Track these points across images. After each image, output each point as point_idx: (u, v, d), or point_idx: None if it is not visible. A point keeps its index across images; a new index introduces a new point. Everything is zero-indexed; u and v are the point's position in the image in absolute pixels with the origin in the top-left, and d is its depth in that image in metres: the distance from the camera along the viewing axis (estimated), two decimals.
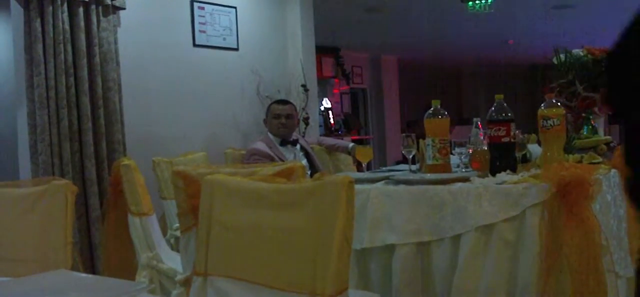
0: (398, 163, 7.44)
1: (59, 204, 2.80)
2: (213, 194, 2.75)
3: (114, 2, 5.69)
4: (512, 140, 3.82)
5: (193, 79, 6.69)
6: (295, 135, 6.45)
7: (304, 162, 6.14)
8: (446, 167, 3.96)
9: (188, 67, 6.66)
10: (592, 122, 4.71)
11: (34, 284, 2.22)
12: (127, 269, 4.80)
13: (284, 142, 6.26)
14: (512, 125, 3.81)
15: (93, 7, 5.55)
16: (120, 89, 5.77)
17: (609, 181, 3.58)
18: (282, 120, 6.28)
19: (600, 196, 3.30)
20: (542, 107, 3.83)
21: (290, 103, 6.62)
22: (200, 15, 6.77)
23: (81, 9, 5.45)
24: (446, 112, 4.04)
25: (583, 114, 4.68)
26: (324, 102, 14.05)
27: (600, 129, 4.85)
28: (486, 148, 3.90)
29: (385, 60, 17.22)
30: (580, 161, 3.93)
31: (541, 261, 3.13)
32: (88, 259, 5.44)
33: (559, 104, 3.90)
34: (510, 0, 10.71)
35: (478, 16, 10.33)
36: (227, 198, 2.71)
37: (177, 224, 4.41)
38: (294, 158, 6.14)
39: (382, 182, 3.88)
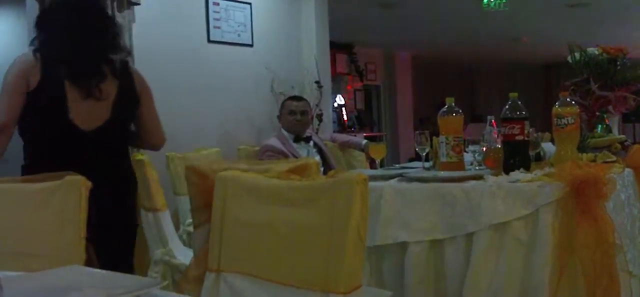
0: (411, 160, 7.43)
1: (73, 200, 2.80)
2: (226, 190, 2.75)
3: None
4: (526, 138, 3.81)
5: (207, 75, 6.69)
6: (308, 132, 6.46)
7: (318, 159, 6.14)
8: (460, 165, 3.95)
9: (202, 63, 6.67)
10: (606, 121, 4.70)
11: (48, 279, 2.22)
12: (139, 264, 4.80)
13: (297, 139, 6.26)
14: (526, 124, 3.80)
15: (108, 2, 5.54)
16: None
17: (623, 180, 3.57)
18: (297, 116, 6.28)
19: (614, 195, 3.29)
20: (557, 106, 3.82)
21: (305, 99, 6.63)
22: (215, 11, 6.78)
23: None
24: (460, 110, 4.03)
25: (597, 113, 4.67)
26: (337, 99, 14.05)
27: (615, 128, 4.84)
28: (500, 146, 3.89)
29: (399, 57, 17.20)
30: (594, 160, 3.93)
31: (554, 259, 3.13)
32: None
33: (573, 102, 3.89)
34: None
35: (492, 13, 10.31)
36: (241, 194, 2.72)
37: (190, 220, 4.42)
38: (308, 155, 6.14)
39: (396, 179, 3.87)
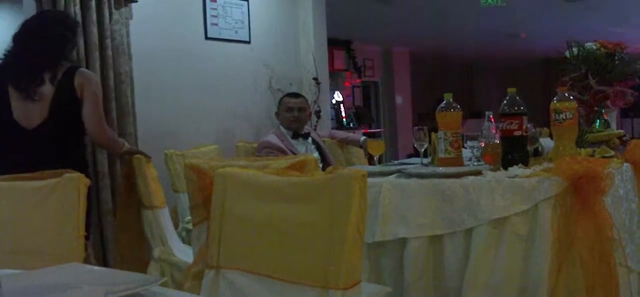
0: (410, 156, 7.43)
1: (71, 197, 2.80)
2: (225, 187, 2.75)
3: None
4: (525, 134, 3.82)
5: (205, 72, 6.69)
6: (307, 129, 6.46)
7: (316, 155, 6.15)
8: (458, 161, 3.96)
9: (200, 60, 6.67)
10: (605, 116, 4.70)
11: (47, 277, 2.22)
12: (139, 262, 4.80)
13: (295, 135, 6.26)
14: (525, 119, 3.81)
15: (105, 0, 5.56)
16: (133, 82, 5.77)
17: (621, 175, 3.58)
18: (294, 113, 6.28)
19: (612, 190, 3.30)
20: (555, 101, 3.82)
21: (302, 96, 6.63)
22: (212, 8, 6.77)
23: (93, 2, 5.45)
24: (458, 106, 4.04)
25: (595, 108, 4.67)
26: (335, 95, 14.03)
27: (613, 123, 4.84)
28: (498, 142, 3.89)
29: (397, 53, 17.19)
30: (592, 155, 3.93)
31: (553, 254, 3.13)
32: (100, 252, 5.45)
33: (571, 97, 3.89)
34: None
35: (490, 9, 10.32)
36: (240, 191, 2.72)
37: (189, 217, 4.42)
38: (306, 151, 6.14)
39: (394, 175, 3.88)
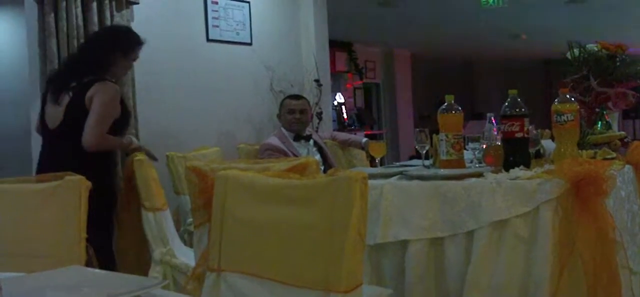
0: (411, 158, 7.43)
1: (72, 200, 2.80)
2: (227, 189, 2.75)
3: None
4: (526, 135, 3.82)
5: (206, 74, 6.69)
6: (308, 131, 6.46)
7: (317, 157, 6.15)
8: (460, 163, 3.95)
9: (201, 62, 6.66)
10: (606, 118, 4.69)
11: (48, 280, 2.22)
12: (140, 264, 4.81)
13: (297, 137, 6.26)
14: (526, 121, 3.81)
15: (106, 1, 5.55)
16: (134, 84, 5.77)
17: (623, 176, 3.58)
18: (296, 115, 6.28)
19: (614, 191, 3.29)
20: (556, 103, 3.82)
21: (304, 98, 6.63)
22: (213, 10, 6.77)
23: (95, 4, 5.46)
24: (460, 108, 4.03)
25: (597, 110, 4.66)
26: (337, 97, 14.05)
27: (614, 125, 4.84)
28: (500, 143, 3.89)
29: (398, 55, 17.20)
30: (594, 157, 3.93)
31: (555, 256, 3.13)
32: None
33: (572, 99, 3.89)
34: None
35: (491, 10, 10.31)
36: (241, 193, 2.72)
37: (191, 219, 4.42)
38: (308, 153, 6.14)
39: (396, 177, 3.88)
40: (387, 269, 3.67)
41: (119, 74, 5.13)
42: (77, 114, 4.65)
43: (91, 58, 4.86)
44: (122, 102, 4.92)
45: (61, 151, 4.73)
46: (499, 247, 3.33)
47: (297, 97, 6.57)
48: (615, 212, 3.30)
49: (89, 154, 4.61)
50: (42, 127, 4.89)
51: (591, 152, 4.04)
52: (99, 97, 4.65)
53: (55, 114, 4.75)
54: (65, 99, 4.70)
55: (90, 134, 4.60)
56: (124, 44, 5.01)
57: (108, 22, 5.52)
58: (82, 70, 4.79)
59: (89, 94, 4.65)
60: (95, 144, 4.63)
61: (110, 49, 4.92)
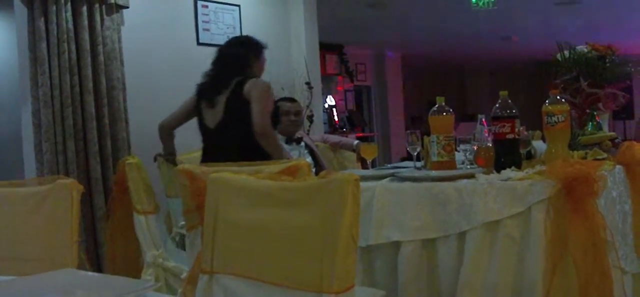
0: (403, 160, 7.44)
1: (64, 203, 2.80)
2: (218, 192, 2.75)
3: (117, 1, 5.70)
4: (517, 137, 3.82)
5: (197, 78, 6.63)
6: (300, 133, 6.46)
7: (309, 160, 6.14)
8: (451, 164, 3.96)
9: (192, 65, 6.64)
10: (597, 119, 4.70)
11: (41, 283, 2.22)
12: (132, 267, 4.80)
13: (289, 140, 6.26)
14: (517, 122, 3.81)
15: (97, 6, 5.56)
16: (125, 88, 5.78)
17: (613, 177, 3.58)
18: (291, 117, 6.30)
19: (605, 192, 3.30)
20: (547, 104, 3.82)
21: (297, 100, 6.64)
22: (203, 14, 6.78)
23: (85, 8, 5.46)
24: (451, 109, 4.04)
25: (587, 110, 4.67)
26: (328, 100, 14.05)
27: (605, 125, 4.84)
28: (491, 145, 3.89)
29: (389, 57, 17.21)
30: (585, 157, 3.93)
31: (547, 257, 3.13)
32: (94, 258, 5.45)
33: (563, 100, 3.89)
34: None
35: (482, 12, 10.32)
36: (233, 196, 2.72)
37: (183, 222, 4.42)
38: (299, 156, 6.13)
39: (387, 179, 3.88)
40: (379, 270, 3.68)
41: (257, 75, 5.48)
42: (237, 106, 5.14)
43: (234, 63, 5.38)
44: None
45: (225, 143, 5.21)
46: (491, 248, 3.33)
47: (292, 99, 6.58)
48: (606, 213, 3.31)
49: (252, 146, 5.05)
50: (202, 131, 5.39)
51: (582, 153, 4.04)
52: (257, 89, 5.15)
53: (213, 115, 5.25)
54: (221, 99, 5.20)
55: (260, 118, 5.06)
56: (254, 48, 5.56)
57: (98, 26, 5.54)
58: (230, 74, 5.28)
59: (246, 88, 5.14)
60: (267, 125, 5.13)
61: (245, 54, 5.44)
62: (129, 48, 5.85)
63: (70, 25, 5.36)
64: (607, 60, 4.69)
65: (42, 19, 5.25)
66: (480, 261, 3.33)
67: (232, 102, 5.20)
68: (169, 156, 5.55)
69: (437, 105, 4.03)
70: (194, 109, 5.46)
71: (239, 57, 5.47)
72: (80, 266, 2.74)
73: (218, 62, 5.48)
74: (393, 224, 3.59)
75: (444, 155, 3.95)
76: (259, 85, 5.26)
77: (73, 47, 5.38)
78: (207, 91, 5.36)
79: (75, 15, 5.42)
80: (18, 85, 5.62)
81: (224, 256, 2.67)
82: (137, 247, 4.70)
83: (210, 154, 5.25)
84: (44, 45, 5.25)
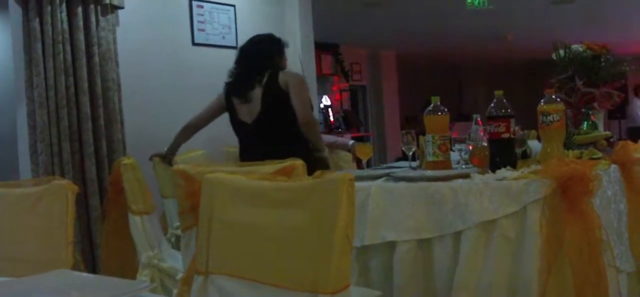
0: (398, 160, 7.43)
1: (59, 204, 2.80)
2: (214, 192, 2.75)
3: (112, 1, 5.69)
4: (512, 136, 3.83)
5: (192, 78, 6.69)
6: None
7: None
8: (446, 164, 3.96)
9: (187, 65, 6.66)
10: (592, 118, 4.70)
11: (35, 284, 2.22)
12: (127, 268, 4.79)
13: None
14: (512, 122, 3.82)
15: (92, 6, 5.54)
16: (120, 89, 5.77)
17: (609, 176, 3.59)
18: None
19: (601, 191, 3.30)
20: (542, 103, 3.83)
21: None
22: (199, 14, 6.77)
23: (80, 9, 5.45)
24: (446, 109, 4.04)
25: (583, 110, 4.67)
26: (323, 100, 14.05)
27: (600, 125, 4.85)
28: (486, 144, 3.89)
29: (384, 57, 17.21)
30: (580, 157, 3.94)
31: (542, 256, 3.13)
32: (89, 259, 5.43)
33: (558, 99, 3.90)
34: None
35: (477, 11, 10.34)
36: (228, 196, 2.72)
37: (178, 223, 4.42)
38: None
39: (383, 179, 3.88)
40: (375, 270, 3.68)
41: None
42: (274, 98, 5.24)
43: (261, 58, 5.44)
44: None
45: (267, 135, 5.28)
46: (486, 247, 3.33)
47: None
48: (601, 212, 3.31)
49: (295, 129, 5.19)
50: (238, 127, 5.44)
51: (577, 152, 4.05)
52: (294, 80, 5.31)
53: (250, 110, 5.32)
54: (255, 93, 5.28)
55: (302, 108, 5.19)
56: (276, 44, 5.61)
57: (93, 27, 5.52)
58: (260, 68, 5.35)
59: (281, 80, 5.25)
60: (309, 114, 5.34)
61: (269, 51, 5.52)
62: (124, 49, 5.84)
63: (66, 26, 5.35)
64: (602, 59, 4.69)
65: (37, 19, 5.24)
66: (475, 261, 3.33)
67: (268, 95, 5.27)
68: (170, 155, 5.53)
69: (432, 105, 4.03)
70: (221, 109, 5.57)
71: (264, 52, 5.53)
72: (76, 267, 2.74)
73: (243, 59, 5.55)
74: (388, 224, 3.59)
75: (439, 155, 3.95)
76: (295, 77, 5.42)
77: (68, 48, 5.37)
78: (239, 88, 5.43)
79: (70, 16, 5.41)
80: (13, 86, 5.60)
81: (219, 257, 2.67)
82: (133, 248, 4.69)
83: (251, 148, 5.30)
84: (39, 46, 5.23)
